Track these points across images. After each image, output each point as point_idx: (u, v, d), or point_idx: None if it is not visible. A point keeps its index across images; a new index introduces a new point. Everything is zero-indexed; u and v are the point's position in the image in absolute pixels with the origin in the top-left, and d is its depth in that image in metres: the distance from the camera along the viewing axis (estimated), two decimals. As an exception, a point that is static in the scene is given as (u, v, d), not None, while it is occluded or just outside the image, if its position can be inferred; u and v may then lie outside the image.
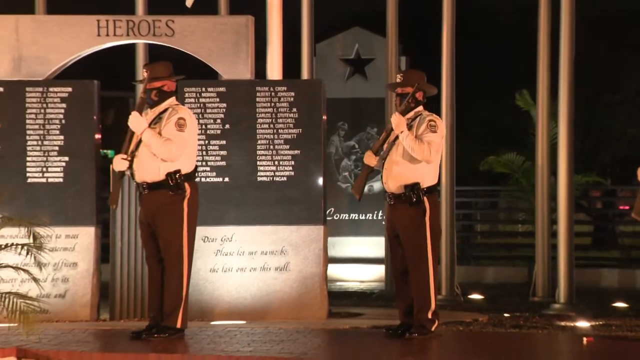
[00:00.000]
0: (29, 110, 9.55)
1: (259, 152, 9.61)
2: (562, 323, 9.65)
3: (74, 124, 9.52)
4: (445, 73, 11.38)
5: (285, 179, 9.59)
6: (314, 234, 9.51)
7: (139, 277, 9.43)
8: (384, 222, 12.17)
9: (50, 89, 9.56)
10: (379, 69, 13.84)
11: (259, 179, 9.59)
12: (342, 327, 8.98)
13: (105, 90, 9.92)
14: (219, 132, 9.64)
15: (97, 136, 9.60)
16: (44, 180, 9.50)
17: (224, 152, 9.63)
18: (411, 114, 8.09)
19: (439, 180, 8.23)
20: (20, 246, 7.63)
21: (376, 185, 13.43)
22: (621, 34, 17.91)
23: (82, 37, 9.71)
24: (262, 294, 9.46)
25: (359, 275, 14.04)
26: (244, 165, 9.60)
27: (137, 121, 8.02)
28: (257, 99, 9.66)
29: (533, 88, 11.52)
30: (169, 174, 7.98)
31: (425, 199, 7.96)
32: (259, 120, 9.64)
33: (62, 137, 9.53)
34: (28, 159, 9.51)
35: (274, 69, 10.67)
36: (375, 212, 14.29)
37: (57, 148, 9.52)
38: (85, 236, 9.43)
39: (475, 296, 11.88)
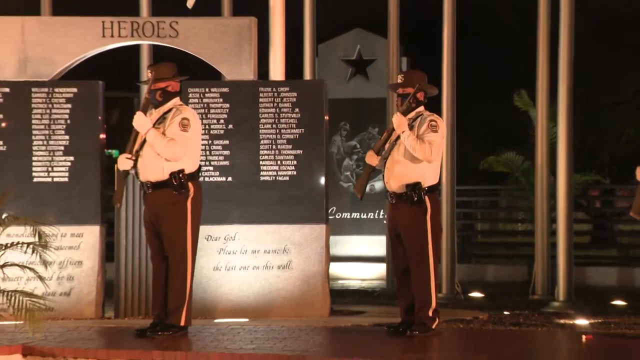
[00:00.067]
0: (34, 111, 9.55)
1: (261, 152, 9.61)
2: (562, 321, 9.65)
3: (79, 124, 9.53)
4: (446, 73, 11.39)
5: (287, 178, 9.59)
6: (316, 233, 9.51)
7: (143, 276, 9.43)
8: (385, 221, 12.20)
9: (56, 90, 9.57)
10: (380, 70, 13.85)
11: (262, 178, 9.59)
12: (344, 325, 8.98)
13: (110, 91, 9.93)
14: (222, 132, 9.64)
15: (102, 136, 9.60)
16: (49, 179, 9.50)
17: (227, 152, 9.63)
18: (412, 114, 8.09)
19: (440, 179, 8.22)
20: (26, 245, 7.63)
21: (377, 185, 13.43)
22: (621, 35, 17.89)
23: (87, 38, 9.71)
24: (265, 292, 9.46)
25: (360, 274, 14.04)
26: (247, 164, 9.60)
27: (141, 121, 8.02)
28: (260, 100, 9.66)
29: (533, 88, 11.52)
30: (172, 174, 7.98)
31: (426, 198, 7.96)
32: (261, 120, 9.64)
33: (67, 137, 9.54)
34: (34, 158, 9.52)
35: (277, 70, 10.68)
36: (377, 211, 14.30)
37: (62, 148, 9.52)
38: (90, 235, 9.44)
39: (476, 294, 11.88)
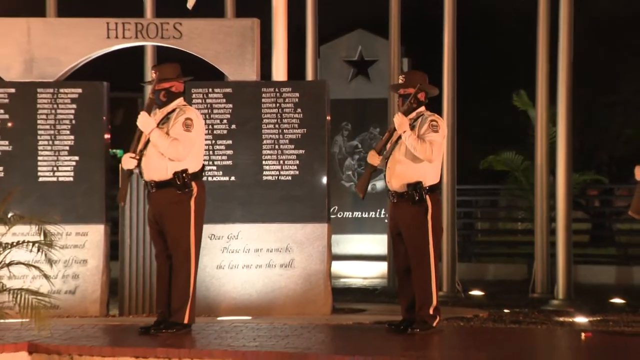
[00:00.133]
0: (40, 111, 9.56)
1: (264, 152, 9.61)
2: (561, 319, 9.65)
3: (84, 124, 9.53)
4: (447, 74, 11.38)
5: (290, 178, 9.59)
6: (318, 232, 9.51)
7: (148, 274, 9.43)
8: (386, 220, 12.19)
9: (61, 90, 9.57)
10: (382, 71, 13.84)
11: (265, 178, 9.59)
12: (346, 323, 8.98)
13: (114, 91, 9.93)
14: (225, 132, 9.64)
15: (107, 136, 9.60)
16: (54, 179, 9.51)
17: (230, 152, 9.63)
18: (413, 114, 8.08)
19: (440, 179, 8.22)
20: (31, 243, 7.64)
21: (379, 184, 13.44)
22: (620, 36, 17.88)
23: (92, 39, 9.71)
24: (268, 291, 9.46)
25: (362, 272, 14.04)
26: (250, 164, 9.60)
27: (145, 121, 8.02)
28: (263, 100, 9.66)
29: (532, 88, 11.51)
30: (176, 173, 7.98)
31: (427, 197, 7.96)
32: (264, 120, 9.64)
33: (72, 137, 9.54)
34: (39, 158, 9.52)
35: (279, 71, 10.68)
36: (378, 210, 14.29)
37: (67, 148, 9.52)
38: (95, 234, 9.44)
39: (476, 292, 11.87)
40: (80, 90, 9.58)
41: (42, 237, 7.66)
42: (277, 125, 9.63)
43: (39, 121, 9.54)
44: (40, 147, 9.51)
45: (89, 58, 9.88)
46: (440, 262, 10.71)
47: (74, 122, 9.54)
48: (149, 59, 11.49)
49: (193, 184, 8.02)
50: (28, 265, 7.70)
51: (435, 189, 8.06)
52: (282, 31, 10.74)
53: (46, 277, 7.72)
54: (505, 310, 10.16)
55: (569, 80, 10.88)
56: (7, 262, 7.62)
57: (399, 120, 8.01)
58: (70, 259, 9.36)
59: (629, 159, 15.42)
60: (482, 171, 16.28)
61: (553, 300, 10.68)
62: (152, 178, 8.04)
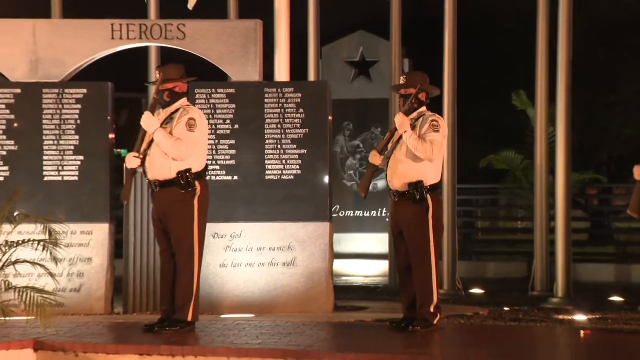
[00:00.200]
0: (45, 111, 9.56)
1: (267, 152, 9.61)
2: (560, 316, 9.64)
3: (89, 125, 9.53)
4: (447, 75, 11.38)
5: (292, 177, 9.59)
6: (321, 231, 9.51)
7: (152, 272, 9.43)
8: (388, 219, 12.19)
9: (66, 91, 9.57)
10: (383, 71, 13.83)
11: (267, 177, 9.59)
12: (348, 321, 8.98)
13: (119, 92, 9.93)
14: (228, 132, 9.64)
15: (111, 136, 9.60)
16: (60, 178, 9.51)
17: (233, 152, 9.63)
18: (414, 115, 8.08)
19: (441, 178, 8.21)
20: (37, 242, 7.64)
21: (380, 184, 13.43)
22: (619, 36, 17.85)
23: (97, 40, 9.71)
24: (270, 289, 9.46)
25: (363, 271, 14.03)
26: (253, 164, 9.60)
27: (149, 121, 8.02)
28: (266, 100, 9.66)
29: (532, 88, 11.51)
30: (180, 173, 7.98)
31: (428, 196, 7.96)
32: (267, 120, 9.64)
33: (77, 137, 9.54)
34: (45, 158, 9.52)
35: (282, 71, 10.67)
36: (380, 210, 14.29)
37: (72, 148, 9.53)
38: (99, 232, 9.44)
39: (476, 291, 11.87)
40: (85, 91, 9.58)
41: (47, 236, 7.67)
42: (279, 125, 9.63)
43: (44, 121, 9.54)
44: (45, 147, 9.52)
45: (94, 59, 9.88)
46: (441, 261, 10.70)
47: (79, 122, 9.54)
48: (153, 60, 11.49)
49: (197, 183, 8.02)
50: (34, 263, 7.70)
51: (436, 189, 8.05)
52: (284, 32, 10.74)
53: (51, 275, 7.72)
54: (506, 308, 10.15)
55: (568, 80, 10.87)
56: (13, 260, 7.62)
57: (400, 121, 8.01)
58: (76, 258, 9.36)
59: (629, 159, 15.39)
60: (482, 171, 16.27)
61: (552, 298, 10.67)
62: (156, 177, 8.05)
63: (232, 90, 9.69)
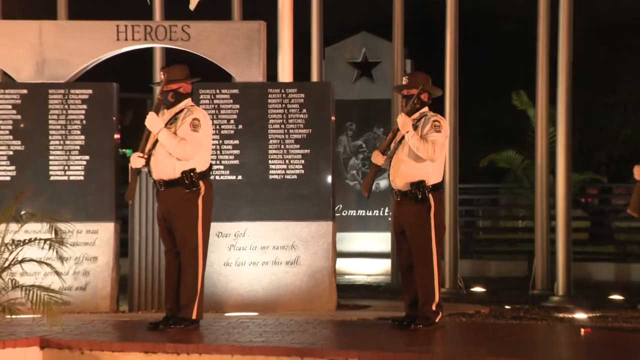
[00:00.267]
0: (51, 112, 9.56)
1: (270, 151, 9.61)
2: (561, 315, 9.63)
3: (94, 125, 9.54)
4: (449, 75, 11.37)
5: (295, 177, 9.58)
6: (323, 230, 9.51)
7: (157, 271, 9.44)
8: (390, 218, 12.17)
9: (72, 91, 9.58)
10: (385, 72, 13.83)
11: (271, 177, 9.59)
12: (350, 319, 8.97)
13: (124, 92, 9.93)
14: (232, 132, 9.64)
15: (116, 136, 9.61)
16: (65, 178, 9.51)
17: (237, 151, 9.63)
18: (416, 115, 8.08)
19: (443, 178, 8.21)
20: (43, 241, 7.64)
21: (382, 183, 13.43)
22: (618, 37, 17.84)
23: (102, 41, 9.72)
24: (274, 287, 9.46)
25: (366, 269, 14.03)
26: (257, 163, 9.60)
27: (153, 121, 8.02)
28: (269, 101, 9.66)
29: (532, 88, 11.50)
30: (184, 172, 7.98)
31: (430, 196, 7.95)
32: (270, 120, 9.64)
33: (83, 137, 9.55)
34: (51, 157, 9.53)
35: (285, 72, 10.67)
36: (382, 209, 14.28)
37: (78, 147, 9.53)
38: (105, 231, 9.45)
39: (478, 289, 11.86)
40: (90, 91, 9.58)
41: (53, 235, 7.67)
42: (283, 126, 9.62)
43: (50, 121, 9.55)
44: (51, 147, 9.52)
45: (99, 60, 9.89)
46: (443, 260, 10.69)
47: (84, 122, 9.54)
48: (158, 61, 11.50)
49: (201, 182, 8.02)
50: (40, 262, 7.70)
51: (438, 188, 8.05)
52: (288, 34, 10.74)
53: (57, 273, 7.72)
54: (506, 307, 10.15)
55: (568, 82, 10.87)
56: (19, 259, 7.62)
57: (402, 121, 8.00)
58: (81, 256, 9.36)
59: (628, 159, 15.39)
60: (483, 170, 16.27)
61: (553, 296, 10.67)
62: (161, 177, 8.05)
63: (235, 91, 9.69)
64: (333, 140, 9.74)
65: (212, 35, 9.72)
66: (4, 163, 9.50)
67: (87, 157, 9.52)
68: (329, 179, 9.59)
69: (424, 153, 7.91)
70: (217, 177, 9.40)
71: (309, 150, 9.60)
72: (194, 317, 8.00)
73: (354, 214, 14.48)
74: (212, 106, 9.62)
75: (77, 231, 9.11)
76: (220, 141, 9.59)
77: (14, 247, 7.58)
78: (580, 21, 11.53)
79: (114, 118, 9.59)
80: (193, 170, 7.99)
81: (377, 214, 14.39)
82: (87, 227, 9.39)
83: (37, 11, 11.25)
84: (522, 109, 15.08)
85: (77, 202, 9.43)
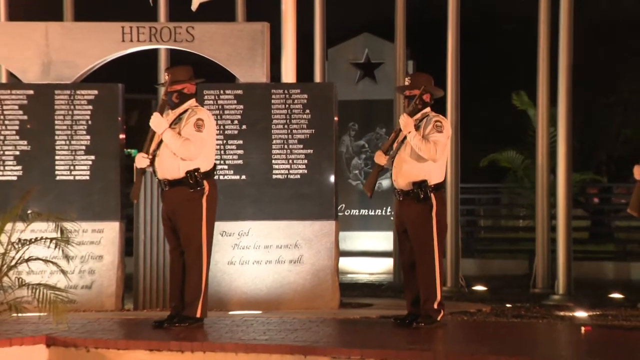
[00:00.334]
0: (57, 112, 9.57)
1: (274, 151, 9.61)
2: (561, 313, 9.63)
3: (99, 125, 9.54)
4: (451, 76, 11.37)
5: (299, 176, 9.58)
6: (326, 229, 9.51)
7: (161, 269, 9.44)
8: (392, 218, 12.18)
9: (78, 92, 9.58)
10: (388, 73, 13.82)
11: (274, 176, 9.59)
12: (353, 317, 8.97)
13: (129, 93, 9.94)
14: (236, 132, 9.64)
15: (122, 136, 9.61)
16: (71, 177, 9.52)
17: (241, 152, 9.63)
18: (418, 115, 8.07)
19: (445, 177, 8.20)
20: (49, 240, 7.64)
21: (385, 183, 13.42)
22: (618, 37, 17.82)
23: (108, 42, 9.72)
24: (277, 286, 9.46)
25: (368, 268, 14.03)
26: (260, 163, 9.60)
27: (158, 122, 8.02)
28: (273, 101, 9.66)
29: (532, 88, 11.49)
30: (188, 172, 7.98)
31: (432, 195, 7.95)
32: (274, 121, 9.64)
33: (88, 137, 9.55)
34: (57, 157, 9.53)
35: (288, 73, 10.67)
36: (384, 208, 14.28)
37: (84, 147, 9.53)
38: (110, 230, 9.45)
39: (479, 287, 11.86)
40: (96, 92, 9.59)
41: (59, 234, 7.67)
42: (286, 126, 9.62)
43: (56, 122, 9.55)
44: (57, 147, 9.53)
45: (105, 61, 9.89)
46: (445, 258, 10.67)
47: (90, 122, 9.55)
48: (163, 62, 11.50)
49: (205, 182, 8.01)
50: (46, 261, 7.71)
51: (440, 188, 8.04)
52: (291, 35, 10.73)
53: (63, 272, 7.72)
54: (508, 305, 10.14)
55: (569, 83, 10.86)
56: (25, 258, 7.63)
57: (405, 121, 8.00)
58: (87, 255, 9.37)
59: (628, 159, 15.37)
60: (483, 170, 16.25)
61: (554, 295, 10.66)
62: (165, 177, 8.05)
63: (239, 92, 9.69)
64: (336, 140, 9.73)
65: (216, 36, 9.72)
66: (10, 163, 9.51)
67: (92, 157, 9.53)
68: (332, 178, 9.58)
69: (426, 153, 7.91)
70: (221, 177, 9.40)
71: (312, 150, 9.59)
72: (198, 315, 7.99)
73: (357, 213, 14.47)
74: (216, 107, 9.62)
75: (83, 230, 9.11)
76: (224, 141, 9.59)
77: (20, 246, 7.59)
78: (580, 21, 11.50)
79: (119, 118, 9.59)
80: (197, 170, 7.99)
81: (379, 213, 14.39)
82: (93, 227, 9.39)
83: (43, 13, 11.25)
84: (523, 109, 15.07)
85: (83, 201, 9.43)
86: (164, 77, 8.29)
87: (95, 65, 9.84)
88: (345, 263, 13.01)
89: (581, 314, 9.51)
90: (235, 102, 9.67)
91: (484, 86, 17.79)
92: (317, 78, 11.50)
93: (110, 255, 9.42)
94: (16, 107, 9.56)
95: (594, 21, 17.18)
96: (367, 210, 14.44)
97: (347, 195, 14.20)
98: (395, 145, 8.10)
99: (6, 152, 9.52)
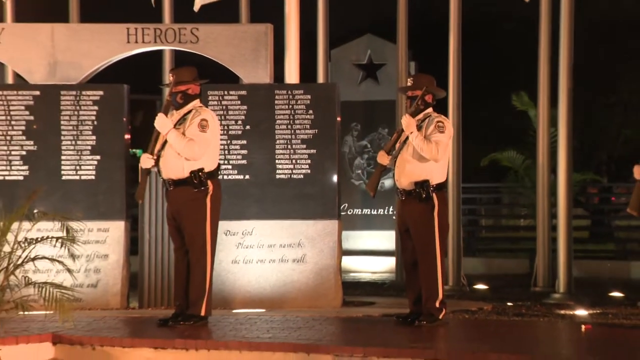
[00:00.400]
0: (63, 112, 9.58)
1: (277, 151, 9.61)
2: (562, 311, 9.63)
3: (105, 125, 9.55)
4: (452, 77, 11.37)
5: (302, 176, 9.58)
6: (329, 228, 9.51)
7: (166, 268, 9.44)
8: (394, 217, 12.17)
9: (83, 93, 9.59)
10: (390, 74, 13.82)
11: (278, 176, 9.59)
12: (355, 315, 8.97)
13: (134, 94, 9.94)
14: (240, 132, 9.65)
15: (127, 136, 9.61)
16: (77, 177, 9.52)
17: (245, 152, 9.63)
18: (420, 116, 8.07)
19: (447, 177, 8.20)
20: (55, 239, 7.64)
21: (387, 183, 13.42)
22: (618, 38, 17.80)
23: (113, 44, 9.72)
24: (281, 284, 9.46)
25: (371, 267, 14.02)
26: (264, 163, 9.60)
27: (162, 122, 8.02)
28: (276, 102, 9.66)
29: (532, 88, 11.48)
30: (192, 172, 7.98)
31: (434, 195, 7.95)
32: (277, 121, 9.64)
33: (94, 138, 9.55)
34: (63, 157, 9.54)
35: (292, 74, 10.67)
36: (386, 208, 14.27)
37: (89, 148, 9.54)
38: (115, 230, 9.45)
39: (480, 286, 11.86)
40: (101, 93, 9.59)
41: (65, 233, 7.67)
42: (289, 126, 9.62)
43: (62, 122, 9.56)
44: (63, 147, 9.53)
45: (110, 62, 9.89)
46: (446, 257, 10.69)
47: (95, 123, 9.55)
48: (167, 63, 11.51)
49: (209, 182, 8.02)
50: (52, 259, 7.70)
51: (441, 187, 8.04)
52: (294, 36, 10.74)
53: (69, 271, 7.72)
54: (509, 303, 10.14)
55: (569, 84, 10.85)
56: (32, 256, 7.63)
57: (407, 122, 8.00)
58: (92, 254, 9.37)
59: (628, 159, 15.36)
60: (484, 170, 16.24)
61: (554, 293, 10.66)
62: (170, 177, 8.05)
63: (243, 92, 9.69)
64: (339, 140, 9.73)
65: (220, 37, 9.73)
66: (17, 163, 9.52)
67: (98, 157, 9.53)
68: (335, 178, 9.59)
69: (428, 153, 7.91)
70: (225, 177, 9.40)
71: (315, 150, 9.60)
72: (202, 313, 8.00)
73: (359, 213, 14.47)
74: (221, 107, 9.63)
75: (89, 229, 9.12)
76: (228, 141, 9.60)
77: (26, 245, 7.59)
78: (580, 21, 11.48)
79: (124, 119, 9.60)
80: (201, 170, 8.00)
81: (381, 213, 14.39)
82: (98, 226, 9.40)
83: (49, 14, 11.26)
84: (524, 110, 15.05)
85: (88, 201, 9.44)
86: (168, 78, 8.29)
87: (100, 66, 9.85)
88: (347, 262, 13.01)
89: (581, 312, 9.50)
90: (239, 102, 9.67)
91: (484, 86, 17.78)
92: (320, 79, 11.50)
93: (116, 254, 9.43)
94: (22, 107, 9.57)
95: (594, 21, 17.16)
96: (369, 210, 14.44)
97: (350, 194, 14.20)
98: (397, 145, 8.10)
99: (13, 152, 9.53)
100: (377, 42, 14.64)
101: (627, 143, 18.21)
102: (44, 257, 7.70)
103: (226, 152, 9.56)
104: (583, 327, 8.25)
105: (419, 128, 8.00)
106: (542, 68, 11.06)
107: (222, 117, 9.55)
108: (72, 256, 7.70)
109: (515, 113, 15.78)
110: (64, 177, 9.52)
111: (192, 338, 7.41)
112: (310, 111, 9.64)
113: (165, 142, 8.02)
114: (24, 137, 9.55)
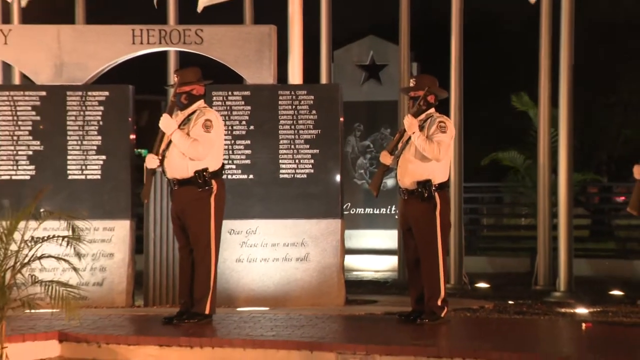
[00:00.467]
0: (69, 113, 9.58)
1: (281, 151, 9.61)
2: (562, 310, 9.62)
3: (110, 126, 9.55)
4: (454, 78, 11.36)
5: (305, 176, 9.58)
6: (332, 227, 9.51)
7: (171, 267, 9.45)
8: (397, 216, 12.16)
9: (89, 93, 9.59)
10: (392, 74, 13.81)
11: (281, 176, 9.59)
12: (358, 313, 8.97)
13: (139, 94, 9.94)
14: (244, 132, 9.65)
15: (132, 136, 9.62)
16: (83, 177, 9.53)
17: (248, 151, 9.64)
18: (423, 116, 8.07)
19: (449, 177, 8.20)
20: (61, 238, 7.64)
21: (390, 182, 13.41)
22: (619, 37, 17.78)
23: (118, 45, 9.73)
24: (284, 283, 9.46)
25: (373, 265, 14.02)
26: (268, 163, 9.60)
27: (167, 123, 8.03)
28: (279, 102, 9.66)
29: (532, 89, 11.47)
30: (197, 172, 7.99)
31: (436, 194, 7.95)
32: (281, 121, 9.64)
33: (99, 138, 9.56)
34: (69, 157, 9.54)
35: (295, 74, 10.67)
36: (389, 207, 14.27)
37: (95, 147, 9.54)
38: (121, 229, 9.46)
39: (482, 285, 11.85)
40: (107, 93, 9.60)
41: (71, 232, 7.67)
42: (293, 126, 9.63)
43: (68, 122, 9.56)
44: (69, 147, 9.54)
45: (116, 63, 9.90)
46: (448, 256, 10.67)
47: (101, 123, 9.56)
48: (172, 64, 11.51)
49: (213, 181, 8.02)
50: (58, 258, 7.70)
51: (444, 187, 8.04)
52: (297, 37, 10.74)
53: (75, 269, 7.72)
54: (510, 302, 10.13)
55: (570, 84, 10.84)
56: (38, 255, 7.63)
57: (409, 122, 8.00)
58: (98, 253, 9.38)
59: (628, 159, 15.34)
60: (485, 169, 16.23)
61: (555, 292, 10.65)
62: (175, 176, 8.06)
63: (247, 93, 9.69)
64: (341, 140, 9.73)
65: (224, 38, 9.73)
66: (23, 163, 9.53)
67: (103, 157, 9.54)
68: (338, 178, 9.58)
69: (430, 153, 7.91)
70: (229, 176, 9.40)
71: (318, 150, 9.60)
72: (207, 311, 8.00)
73: (362, 212, 14.47)
74: (225, 107, 9.63)
75: (94, 228, 9.12)
76: (232, 141, 9.60)
77: (33, 244, 7.59)
78: (580, 21, 11.47)
79: (129, 119, 9.60)
80: (206, 169, 8.00)
81: (384, 212, 14.38)
82: (104, 225, 9.41)
83: (55, 16, 11.27)
84: (524, 110, 15.03)
85: (94, 200, 9.44)
86: (173, 78, 8.30)
87: (106, 67, 9.85)
88: (350, 261, 13.00)
89: (582, 310, 9.50)
90: (243, 103, 9.67)
91: (485, 86, 17.77)
92: (323, 79, 11.49)
93: (121, 253, 9.44)
94: (29, 108, 9.58)
95: (594, 21, 17.14)
96: (372, 209, 14.44)
97: (353, 194, 14.20)
98: (400, 145, 8.10)
99: (19, 152, 9.54)
100: (379, 43, 14.63)
101: (627, 143, 18.19)
102: (50, 256, 7.70)
103: (230, 152, 9.56)
104: (583, 325, 8.25)
105: (421, 128, 7.99)
106: (542, 68, 11.05)
107: (226, 117, 9.55)
108: (78, 255, 7.70)
109: (516, 113, 15.78)
110: (70, 177, 9.52)
111: (196, 336, 7.41)
112: (314, 111, 9.64)
113: (170, 142, 8.03)
114: (30, 137, 9.55)
